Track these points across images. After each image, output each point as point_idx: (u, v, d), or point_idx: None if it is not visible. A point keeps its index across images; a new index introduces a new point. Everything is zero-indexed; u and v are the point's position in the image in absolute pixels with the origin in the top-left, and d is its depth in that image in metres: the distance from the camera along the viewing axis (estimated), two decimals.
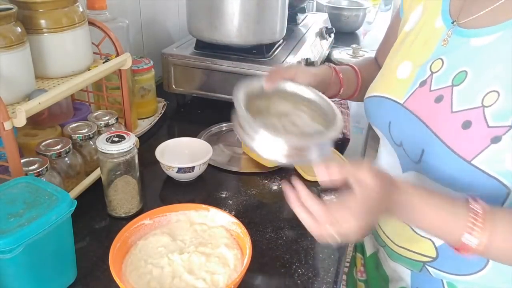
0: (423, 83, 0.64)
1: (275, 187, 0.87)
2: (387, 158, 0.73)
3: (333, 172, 0.52)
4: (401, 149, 0.67)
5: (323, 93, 0.71)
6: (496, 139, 0.55)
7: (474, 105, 0.57)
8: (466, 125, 0.57)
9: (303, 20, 1.54)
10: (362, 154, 1.02)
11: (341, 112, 1.06)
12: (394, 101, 0.67)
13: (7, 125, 0.59)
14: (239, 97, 0.62)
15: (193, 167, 0.83)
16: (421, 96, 0.64)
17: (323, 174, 0.52)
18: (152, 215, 0.67)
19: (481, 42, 0.59)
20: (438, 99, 0.61)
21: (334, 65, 0.81)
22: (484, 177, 0.56)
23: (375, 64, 0.88)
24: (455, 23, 0.64)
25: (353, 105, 1.20)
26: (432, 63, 0.64)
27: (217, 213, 0.68)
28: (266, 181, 0.88)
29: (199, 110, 1.18)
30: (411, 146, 0.65)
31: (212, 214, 0.68)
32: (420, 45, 0.68)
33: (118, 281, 0.55)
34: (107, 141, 0.70)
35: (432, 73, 0.63)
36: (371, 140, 0.80)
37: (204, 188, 0.87)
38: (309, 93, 0.69)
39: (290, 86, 0.70)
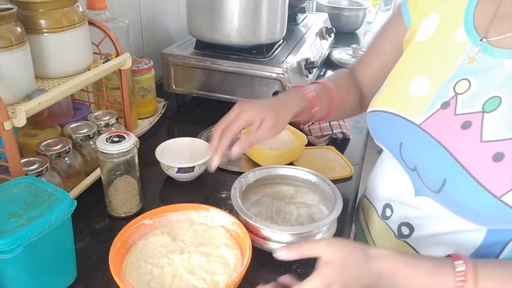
0: (445, 105, 0.58)
1: None
2: (395, 177, 0.69)
3: (293, 252, 0.56)
4: (414, 173, 0.62)
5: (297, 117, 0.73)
6: None
7: (508, 136, 0.52)
8: (498, 157, 0.52)
9: (303, 20, 1.54)
10: (362, 154, 1.02)
11: None
12: (409, 120, 0.61)
13: (7, 125, 0.59)
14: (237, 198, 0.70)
15: (193, 167, 0.83)
16: (444, 119, 0.58)
17: (283, 253, 0.56)
18: (152, 215, 0.67)
19: None
20: (465, 125, 0.55)
21: (300, 86, 0.73)
22: None
23: (352, 79, 0.82)
24: (484, 40, 0.58)
25: None
26: (456, 83, 0.58)
27: (217, 213, 0.68)
28: None
29: (199, 110, 1.18)
30: (430, 174, 0.59)
31: (212, 214, 0.68)
32: (438, 60, 0.62)
33: (118, 281, 0.55)
34: (107, 141, 0.70)
35: (457, 94, 0.58)
36: (371, 140, 0.79)
37: (204, 188, 0.87)
38: (312, 177, 0.77)
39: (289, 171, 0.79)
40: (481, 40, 0.58)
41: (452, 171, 0.56)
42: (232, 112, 0.68)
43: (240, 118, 0.67)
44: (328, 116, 0.77)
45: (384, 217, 0.72)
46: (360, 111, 0.84)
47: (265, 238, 0.67)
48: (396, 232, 0.69)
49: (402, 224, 0.68)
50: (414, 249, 0.67)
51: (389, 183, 0.71)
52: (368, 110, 0.69)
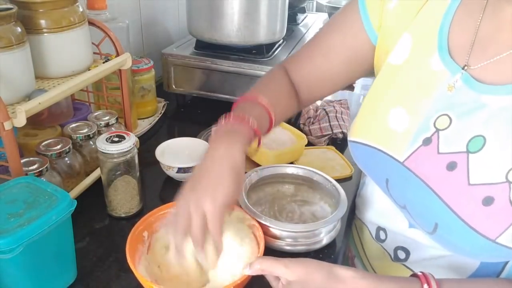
0: (427, 141, 0.55)
1: None
2: (386, 205, 0.66)
3: (253, 269, 0.54)
4: (405, 211, 0.60)
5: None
6: None
7: (498, 180, 0.49)
8: (488, 201, 0.50)
9: (303, 20, 1.54)
10: None
11: (341, 112, 1.06)
12: (392, 157, 0.58)
13: (7, 125, 0.59)
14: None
15: (193, 167, 0.83)
16: (427, 158, 0.55)
17: (246, 270, 0.54)
18: None
19: (497, 103, 0.51)
20: (451, 167, 0.53)
21: (247, 119, 0.61)
22: (511, 252, 0.50)
23: (287, 81, 0.73)
24: (466, 68, 0.54)
25: (353, 105, 1.20)
26: (437, 118, 0.55)
27: (240, 213, 0.67)
28: None
29: (199, 110, 1.18)
30: (421, 216, 0.57)
31: (235, 213, 0.67)
32: (414, 88, 0.58)
33: (130, 263, 0.56)
34: (107, 141, 0.70)
35: (438, 130, 0.54)
36: None
37: None
38: (313, 174, 0.77)
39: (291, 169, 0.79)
40: (463, 68, 0.54)
41: (442, 214, 0.53)
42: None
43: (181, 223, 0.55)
44: (269, 130, 0.69)
45: (379, 239, 0.70)
46: (298, 109, 0.78)
47: (272, 236, 0.67)
48: (392, 256, 0.68)
49: (398, 248, 0.66)
50: (413, 271, 0.65)
51: (381, 209, 0.69)
52: (349, 138, 0.66)
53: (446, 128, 0.54)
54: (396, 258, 0.67)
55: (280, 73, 0.75)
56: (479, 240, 0.51)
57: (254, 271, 0.54)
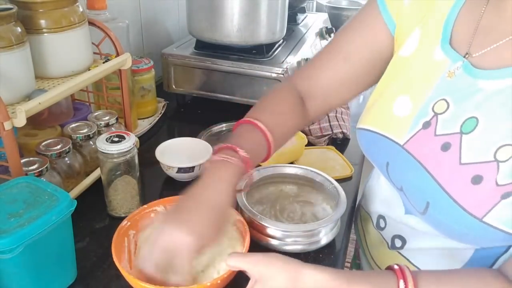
0: (426, 125, 0.57)
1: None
2: (387, 192, 0.69)
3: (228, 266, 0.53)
4: (402, 193, 0.62)
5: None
6: (506, 195, 0.50)
7: (487, 159, 0.51)
8: (476, 180, 0.52)
9: (303, 20, 1.54)
10: (362, 154, 1.02)
11: (341, 112, 1.06)
12: (393, 140, 0.61)
13: (7, 125, 0.59)
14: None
15: (193, 167, 0.83)
16: (425, 140, 0.57)
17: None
18: (165, 202, 0.68)
19: (492, 86, 0.53)
20: (445, 147, 0.55)
21: (240, 153, 0.59)
22: (497, 233, 0.52)
23: (291, 99, 0.69)
24: (467, 56, 0.56)
25: (353, 105, 1.20)
26: (435, 103, 0.57)
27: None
28: None
29: (199, 110, 1.18)
30: (414, 196, 0.59)
31: None
32: (418, 78, 0.60)
33: (116, 261, 0.56)
34: (107, 141, 0.70)
35: (436, 114, 0.57)
36: None
37: None
38: (316, 175, 0.78)
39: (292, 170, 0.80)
40: (464, 56, 0.56)
41: (434, 193, 0.55)
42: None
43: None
44: (268, 157, 0.66)
45: (379, 227, 0.72)
46: (303, 126, 0.76)
47: (270, 236, 0.67)
48: (389, 244, 0.69)
49: (395, 236, 0.68)
50: (407, 260, 0.67)
51: (382, 197, 0.71)
52: (357, 126, 0.68)
53: (443, 112, 0.56)
54: (393, 246, 0.69)
55: (285, 90, 0.71)
56: (466, 219, 0.52)
57: (229, 268, 0.55)
